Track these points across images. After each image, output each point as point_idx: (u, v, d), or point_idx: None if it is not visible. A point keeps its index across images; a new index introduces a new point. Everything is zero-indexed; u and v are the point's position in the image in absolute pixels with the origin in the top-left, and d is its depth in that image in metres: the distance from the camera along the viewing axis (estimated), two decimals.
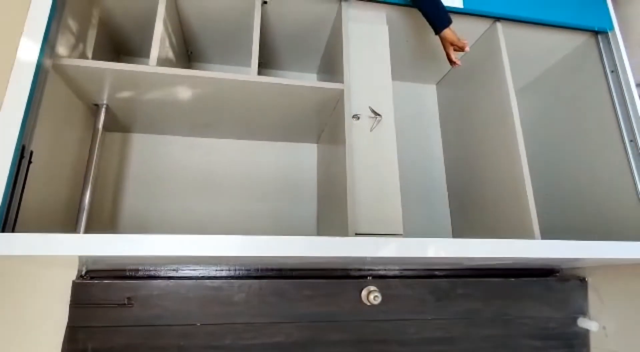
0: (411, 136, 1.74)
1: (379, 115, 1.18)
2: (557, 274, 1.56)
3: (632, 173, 1.26)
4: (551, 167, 1.64)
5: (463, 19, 1.33)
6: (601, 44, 1.41)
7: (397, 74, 1.73)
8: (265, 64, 1.64)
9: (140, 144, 1.45)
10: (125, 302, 1.26)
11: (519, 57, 1.55)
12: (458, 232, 1.60)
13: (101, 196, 1.36)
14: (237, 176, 1.48)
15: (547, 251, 1.05)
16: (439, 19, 1.21)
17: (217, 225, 1.43)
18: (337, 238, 0.89)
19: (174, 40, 1.28)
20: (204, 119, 1.38)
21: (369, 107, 1.19)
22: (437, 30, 1.23)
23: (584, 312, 1.56)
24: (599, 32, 1.41)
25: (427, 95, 1.82)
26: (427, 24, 1.35)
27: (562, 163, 1.58)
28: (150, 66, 1.06)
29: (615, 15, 1.43)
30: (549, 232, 1.64)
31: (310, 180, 1.54)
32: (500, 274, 1.52)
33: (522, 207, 1.19)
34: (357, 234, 1.06)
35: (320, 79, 1.62)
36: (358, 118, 1.18)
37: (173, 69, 1.06)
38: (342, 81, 1.18)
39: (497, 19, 1.35)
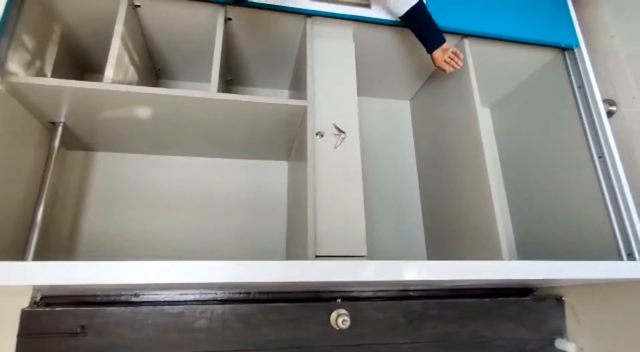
0: (386, 153, 1.72)
1: (343, 132, 1.16)
2: (534, 294, 1.53)
3: (601, 190, 1.25)
4: (524, 180, 1.63)
5: None
6: (568, 60, 1.41)
7: (372, 90, 1.73)
8: (236, 81, 1.62)
9: (103, 162, 1.41)
10: (79, 330, 1.19)
11: (491, 72, 1.55)
12: (432, 250, 1.56)
13: (59, 215, 1.30)
14: (204, 194, 1.44)
15: (515, 272, 1.02)
16: (432, 41, 1.22)
17: (182, 246, 1.38)
18: (285, 263, 0.87)
19: (136, 57, 1.26)
20: (168, 137, 1.34)
21: (334, 124, 1.17)
22: (429, 50, 1.24)
23: (561, 333, 1.52)
24: (566, 49, 1.42)
25: (402, 111, 1.81)
26: (395, 40, 1.35)
27: (535, 177, 1.57)
28: (104, 84, 1.02)
29: (581, 32, 1.44)
30: (524, 246, 1.62)
31: (280, 198, 1.50)
32: (475, 294, 1.48)
33: (490, 227, 1.16)
34: (317, 257, 1.01)
35: (292, 96, 1.60)
36: (322, 135, 1.15)
37: (127, 86, 1.03)
38: (306, 98, 1.16)
39: (465, 35, 1.35)
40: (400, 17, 1.19)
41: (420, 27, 1.21)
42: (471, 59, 1.33)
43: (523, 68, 1.56)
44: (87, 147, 1.38)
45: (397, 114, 1.79)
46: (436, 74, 1.56)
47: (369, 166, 1.66)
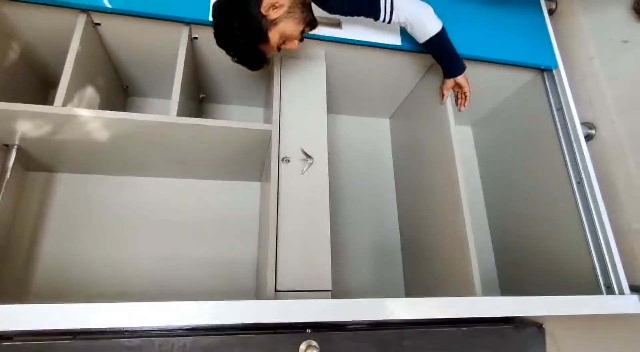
0: (364, 173, 1.67)
1: (310, 158, 1.11)
2: (514, 321, 1.47)
3: (580, 217, 1.21)
4: (505, 203, 1.59)
5: (404, 56, 1.29)
6: (547, 82, 1.38)
7: (350, 108, 1.68)
8: (210, 98, 1.57)
9: (66, 183, 1.35)
10: None
11: (472, 90, 1.51)
12: (409, 281, 1.50)
13: (15, 241, 1.24)
14: (174, 218, 1.38)
15: (488, 309, 0.97)
16: (450, 68, 1.20)
17: (150, 274, 1.31)
18: (243, 303, 0.81)
19: (98, 76, 1.21)
20: (134, 158, 1.28)
21: (301, 149, 1.12)
22: (446, 76, 1.22)
23: None
24: (545, 70, 1.39)
25: (381, 129, 1.77)
26: (370, 59, 1.31)
27: (516, 200, 1.53)
28: (51, 107, 0.97)
29: (561, 52, 1.41)
30: (505, 273, 1.57)
31: (253, 221, 1.45)
32: (453, 321, 1.42)
33: (462, 260, 1.11)
34: (278, 291, 0.96)
35: (266, 114, 1.55)
36: (288, 161, 1.10)
37: (76, 109, 0.98)
38: (272, 121, 1.11)
39: None
40: (421, 44, 1.15)
41: (439, 56, 1.19)
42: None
43: (503, 88, 1.52)
44: (47, 168, 1.32)
45: (377, 132, 1.75)
46: (414, 92, 1.52)
47: (346, 187, 1.62)
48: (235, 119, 1.60)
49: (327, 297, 0.99)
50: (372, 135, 1.74)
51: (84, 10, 1.08)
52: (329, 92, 1.51)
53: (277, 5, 0.89)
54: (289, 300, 0.87)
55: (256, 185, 1.50)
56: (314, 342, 1.23)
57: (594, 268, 1.15)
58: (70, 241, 1.29)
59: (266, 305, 0.84)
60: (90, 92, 1.16)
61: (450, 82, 1.22)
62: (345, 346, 1.32)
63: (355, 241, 1.53)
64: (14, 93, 1.22)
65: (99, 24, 1.13)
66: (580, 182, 1.23)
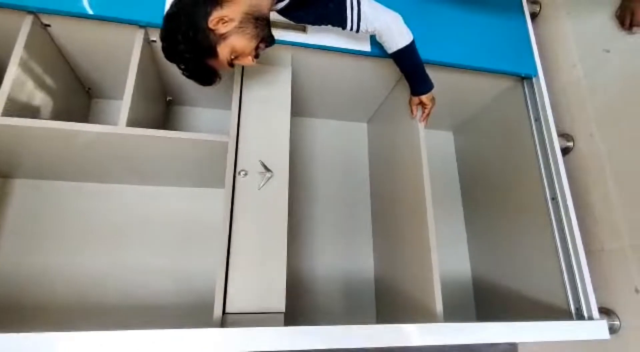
0: (340, 178, 1.62)
1: (269, 171, 1.06)
2: None
3: (553, 235, 1.16)
4: (483, 212, 1.54)
5: (376, 61, 1.23)
6: (526, 90, 1.32)
7: (327, 111, 1.63)
8: (177, 101, 1.51)
9: (22, 190, 1.30)
10: None
11: (452, 96, 1.45)
12: (379, 303, 1.46)
13: None
14: (134, 225, 1.34)
15: (452, 336, 0.92)
16: (417, 85, 1.15)
17: (108, 282, 1.27)
18: (181, 332, 0.77)
19: (49, 79, 1.14)
20: (90, 165, 1.23)
21: (260, 161, 1.06)
22: (413, 93, 1.18)
23: None
24: (525, 78, 1.32)
25: (359, 134, 1.71)
26: (342, 64, 1.24)
27: (492, 211, 1.48)
28: None
29: (544, 58, 1.34)
30: (480, 290, 1.53)
31: (217, 229, 1.39)
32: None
33: (425, 281, 1.06)
34: (226, 313, 0.92)
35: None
36: (246, 173, 1.05)
37: (16, 119, 0.92)
38: (229, 132, 1.05)
39: None
40: (390, 55, 1.10)
41: (406, 71, 1.14)
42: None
43: (483, 94, 1.46)
44: (3, 173, 1.27)
45: (354, 136, 1.69)
46: (391, 96, 1.46)
47: (320, 192, 1.57)
48: (203, 122, 1.54)
49: (280, 319, 0.95)
50: (349, 140, 1.69)
51: (31, 12, 1.01)
52: (302, 96, 1.47)
53: (226, 19, 0.82)
54: (234, 329, 0.82)
55: (221, 192, 1.45)
56: None
57: (565, 290, 1.11)
58: (26, 248, 1.25)
59: (208, 334, 0.80)
60: (40, 97, 1.10)
61: (415, 99, 1.17)
62: None
63: (324, 242, 1.49)
64: None
65: (48, 26, 1.07)
66: (554, 199, 1.18)
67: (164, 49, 0.86)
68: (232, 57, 0.86)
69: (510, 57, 1.31)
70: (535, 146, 1.25)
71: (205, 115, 1.55)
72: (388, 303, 1.36)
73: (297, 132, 1.63)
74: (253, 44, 0.87)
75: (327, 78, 1.34)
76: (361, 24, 0.99)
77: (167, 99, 1.48)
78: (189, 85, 1.40)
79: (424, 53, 1.22)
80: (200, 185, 1.40)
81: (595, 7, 1.21)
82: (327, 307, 1.41)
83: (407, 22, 1.06)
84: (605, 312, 1.11)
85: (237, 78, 1.13)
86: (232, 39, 0.84)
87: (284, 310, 0.96)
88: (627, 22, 1.09)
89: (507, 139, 1.41)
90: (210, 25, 0.82)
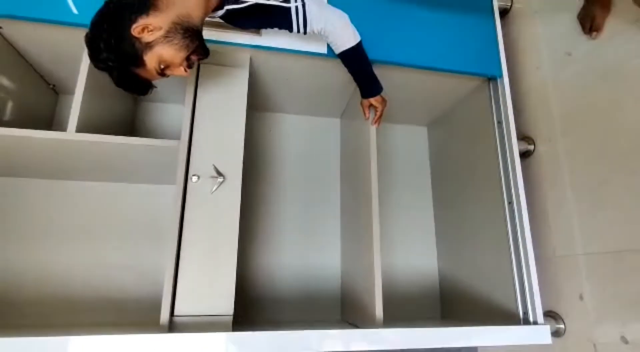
0: (312, 174, 1.62)
1: (222, 175, 1.07)
2: None
3: (508, 240, 1.16)
4: (450, 210, 1.54)
5: (333, 62, 1.21)
6: (492, 91, 1.30)
7: (299, 107, 1.61)
8: (145, 98, 1.51)
9: None
10: None
11: (423, 93, 1.45)
12: (344, 294, 1.48)
13: None
14: (97, 221, 1.36)
15: (390, 341, 0.95)
16: (366, 88, 1.15)
17: (75, 278, 1.30)
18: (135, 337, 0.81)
19: (5, 79, 1.15)
20: (56, 165, 1.25)
21: (213, 165, 1.07)
22: (362, 96, 1.18)
23: None
24: (492, 79, 1.30)
25: (332, 129, 1.70)
26: (302, 63, 1.23)
27: (457, 213, 1.48)
28: None
29: (511, 59, 1.31)
30: (447, 289, 1.55)
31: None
32: None
33: (369, 282, 1.08)
34: (174, 316, 0.95)
35: None
36: (198, 178, 1.06)
37: None
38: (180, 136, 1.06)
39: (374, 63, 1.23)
40: (337, 56, 1.09)
41: (355, 73, 1.13)
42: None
43: (453, 92, 1.45)
44: None
45: (326, 132, 1.68)
46: (356, 93, 1.44)
47: (289, 188, 1.57)
48: (173, 117, 1.54)
49: (228, 323, 0.98)
50: (321, 135, 1.68)
51: None
52: (269, 93, 1.46)
53: (151, 28, 0.81)
54: (183, 334, 0.85)
55: None
56: None
57: (516, 295, 1.12)
58: None
59: (158, 339, 0.83)
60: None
61: (366, 102, 1.16)
62: None
63: (288, 240, 1.51)
64: None
65: (0, 28, 1.06)
66: (511, 203, 1.18)
67: (89, 55, 0.84)
68: (162, 66, 0.85)
69: (477, 58, 1.29)
70: (497, 149, 1.25)
71: (175, 111, 1.55)
72: (349, 304, 1.38)
73: (266, 128, 1.63)
74: (182, 55, 0.85)
75: (290, 77, 1.33)
76: (307, 26, 0.98)
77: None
78: (156, 83, 1.40)
79: (394, 56, 1.22)
80: (160, 182, 1.41)
81: (561, 7, 1.18)
82: (292, 305, 1.43)
83: (377, 25, 1.05)
84: (553, 316, 1.14)
85: (192, 79, 1.12)
86: (159, 48, 0.82)
87: (232, 313, 0.99)
88: (588, 26, 1.07)
89: (472, 139, 1.40)
90: (134, 33, 0.80)
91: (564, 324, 1.10)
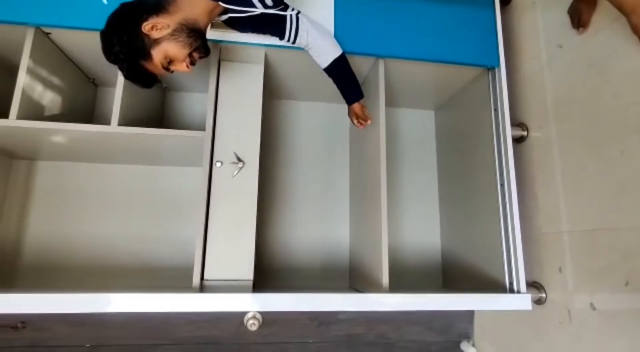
0: (324, 153, 1.75)
1: (242, 161, 1.22)
2: None
3: (499, 218, 1.28)
4: (451, 193, 1.66)
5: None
6: (490, 80, 1.38)
7: (316, 95, 1.73)
8: (173, 87, 1.67)
9: (44, 170, 1.52)
10: (19, 325, 1.39)
11: (430, 81, 1.55)
12: (352, 270, 1.64)
13: (4, 225, 1.45)
14: (137, 199, 1.55)
15: (393, 304, 1.11)
16: (350, 94, 1.27)
17: (120, 249, 1.51)
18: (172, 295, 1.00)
19: (55, 77, 1.31)
20: (100, 150, 1.43)
21: (234, 152, 1.23)
22: (347, 102, 1.30)
23: (468, 337, 1.63)
24: (490, 68, 1.38)
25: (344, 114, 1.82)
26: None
27: (459, 193, 1.60)
28: (10, 120, 1.11)
29: (510, 48, 1.39)
30: (448, 262, 1.69)
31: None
32: None
33: (376, 256, 1.23)
34: (203, 280, 1.13)
35: None
36: (221, 164, 1.22)
37: (26, 122, 1.12)
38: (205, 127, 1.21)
39: (380, 57, 1.34)
40: (323, 70, 1.22)
41: (339, 81, 1.25)
42: (382, 75, 1.33)
43: (455, 80, 1.53)
44: (29, 157, 1.50)
45: (338, 116, 1.80)
46: (366, 80, 1.55)
47: (305, 168, 1.72)
48: (198, 106, 1.69)
49: (249, 286, 1.16)
50: (333, 120, 1.79)
51: (32, 26, 1.17)
52: (285, 83, 1.59)
53: (159, 26, 0.92)
54: (214, 294, 1.04)
55: None
56: (253, 314, 1.43)
57: (503, 267, 1.25)
58: (49, 219, 1.49)
59: (193, 298, 1.02)
60: (49, 94, 1.28)
61: (355, 108, 1.28)
62: (284, 317, 1.53)
63: (304, 220, 1.67)
64: None
65: (49, 34, 1.23)
66: (503, 185, 1.29)
67: (102, 50, 0.94)
68: (167, 61, 0.95)
69: (477, 50, 1.37)
70: (493, 134, 1.35)
71: (198, 100, 1.70)
72: (357, 273, 1.54)
73: (284, 114, 1.76)
74: (186, 51, 0.95)
75: (302, 69, 1.44)
76: (297, 38, 1.12)
77: (163, 86, 1.64)
78: (182, 75, 1.55)
79: (401, 51, 1.33)
80: (188, 165, 1.58)
81: (556, 0, 1.24)
82: (305, 274, 1.61)
83: (385, 23, 1.18)
84: (537, 286, 1.26)
85: (214, 74, 1.26)
86: (165, 44, 0.92)
87: (252, 278, 1.17)
88: (576, 21, 1.13)
89: (472, 124, 1.50)
90: (145, 30, 0.91)
91: (546, 293, 1.23)
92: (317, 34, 1.13)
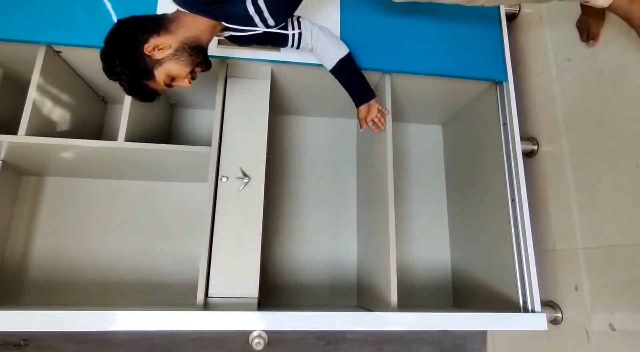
0: (330, 169, 1.74)
1: (247, 177, 1.21)
2: None
3: (511, 234, 1.25)
4: (460, 209, 1.63)
5: None
6: (498, 94, 1.37)
7: (320, 110, 1.73)
8: (181, 104, 1.68)
9: (54, 186, 1.53)
10: (22, 343, 1.37)
11: (439, 96, 1.55)
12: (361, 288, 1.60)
13: (12, 241, 1.45)
14: (142, 215, 1.54)
15: (402, 323, 1.08)
16: (359, 95, 1.23)
17: (126, 265, 1.50)
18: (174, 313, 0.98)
19: (65, 95, 1.33)
20: (109, 167, 1.44)
21: (240, 168, 1.22)
22: (356, 104, 1.27)
23: None
24: (498, 83, 1.37)
25: (350, 129, 1.81)
26: (319, 74, 1.34)
27: (467, 208, 1.57)
28: (19, 137, 1.13)
29: (519, 61, 1.38)
30: (458, 278, 1.65)
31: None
32: None
33: (385, 274, 1.20)
34: (208, 297, 1.11)
35: None
36: (227, 178, 1.21)
37: (35, 138, 1.13)
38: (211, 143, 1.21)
39: (386, 72, 1.34)
40: (330, 71, 1.20)
41: (346, 82, 1.21)
42: (389, 93, 1.33)
43: (463, 95, 1.53)
44: (37, 173, 1.51)
45: (344, 131, 1.79)
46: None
47: (312, 184, 1.70)
48: (205, 122, 1.70)
49: (253, 304, 1.13)
50: (339, 135, 1.79)
51: (43, 44, 1.20)
52: (291, 98, 1.59)
53: (161, 46, 0.91)
54: (218, 312, 1.01)
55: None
56: (258, 333, 1.39)
57: (517, 285, 1.21)
58: (56, 234, 1.48)
59: (196, 315, 1.00)
60: (58, 111, 1.30)
61: (363, 111, 1.26)
62: (290, 337, 1.49)
63: (312, 234, 1.65)
64: None
65: (60, 52, 1.25)
66: (514, 200, 1.26)
67: (103, 68, 0.93)
68: (169, 79, 0.94)
69: (485, 64, 1.36)
70: (502, 149, 1.32)
71: (205, 116, 1.71)
72: (366, 291, 1.51)
73: (290, 129, 1.76)
74: (188, 69, 0.94)
75: (308, 84, 1.45)
76: (302, 42, 1.11)
77: (171, 102, 1.65)
78: (189, 92, 1.57)
79: (408, 66, 1.33)
80: (194, 180, 1.58)
81: (564, 14, 1.23)
82: (311, 292, 1.58)
83: (392, 39, 1.16)
84: (552, 306, 1.22)
85: (220, 90, 1.27)
86: (168, 64, 0.92)
87: (257, 296, 1.14)
88: (585, 34, 1.12)
89: (481, 139, 1.48)
90: (146, 51, 0.90)
91: (562, 312, 1.18)
92: (321, 35, 1.11)
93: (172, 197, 1.58)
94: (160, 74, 0.92)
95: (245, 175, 1.22)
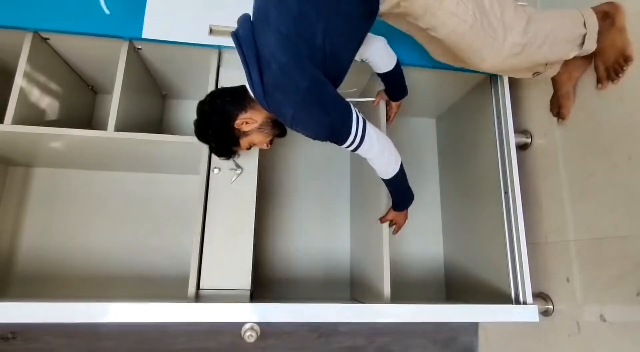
0: (325, 164, 1.73)
1: (240, 168, 1.20)
2: None
3: (503, 227, 1.25)
4: (453, 203, 1.63)
5: None
6: (493, 87, 1.37)
7: None
8: (172, 95, 1.66)
9: (40, 177, 1.50)
10: (10, 336, 1.35)
11: (432, 89, 1.54)
12: (354, 284, 1.59)
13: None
14: (132, 207, 1.53)
15: (395, 315, 1.07)
16: (398, 205, 1.19)
17: (114, 257, 1.48)
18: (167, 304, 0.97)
19: (53, 83, 1.30)
20: (96, 158, 1.41)
21: (232, 159, 1.20)
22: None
23: (472, 350, 1.58)
24: (493, 76, 1.37)
25: None
26: None
27: (460, 202, 1.57)
28: (5, 125, 1.10)
29: None
30: (451, 270, 1.65)
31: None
32: None
33: (378, 268, 1.20)
34: (199, 289, 1.10)
35: None
36: (219, 170, 1.19)
37: (21, 127, 1.10)
38: None
39: None
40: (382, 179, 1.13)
41: (392, 192, 1.16)
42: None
43: (458, 88, 1.52)
44: (25, 163, 1.48)
45: None
46: (369, 88, 1.53)
47: (305, 178, 1.70)
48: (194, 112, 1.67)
49: (246, 296, 1.12)
50: None
51: (30, 30, 1.16)
52: None
53: (249, 121, 1.00)
54: (210, 304, 1.00)
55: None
56: (250, 325, 1.39)
57: (509, 277, 1.21)
58: (44, 226, 1.46)
59: (188, 307, 0.98)
60: (46, 100, 1.27)
61: (391, 212, 1.21)
62: (282, 329, 1.49)
63: (305, 229, 1.64)
64: None
65: (47, 39, 1.22)
66: (507, 193, 1.26)
67: (196, 135, 1.06)
68: (251, 145, 1.06)
69: None
70: (496, 142, 1.32)
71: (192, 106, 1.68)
72: (359, 284, 1.51)
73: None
74: (268, 139, 1.06)
75: None
76: (359, 150, 0.99)
77: (163, 93, 1.62)
78: (181, 82, 1.55)
79: (405, 59, 1.30)
80: (186, 172, 1.56)
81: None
82: (304, 285, 1.57)
83: (380, 27, 1.14)
84: (543, 297, 1.22)
85: (212, 83, 1.24)
86: (253, 136, 1.03)
87: (249, 288, 1.13)
88: (555, 112, 1.20)
89: (475, 132, 1.48)
90: (236, 125, 1.00)
91: (553, 304, 1.19)
92: (378, 149, 1.00)
93: (164, 189, 1.56)
94: (245, 143, 1.05)
95: (237, 166, 1.20)
